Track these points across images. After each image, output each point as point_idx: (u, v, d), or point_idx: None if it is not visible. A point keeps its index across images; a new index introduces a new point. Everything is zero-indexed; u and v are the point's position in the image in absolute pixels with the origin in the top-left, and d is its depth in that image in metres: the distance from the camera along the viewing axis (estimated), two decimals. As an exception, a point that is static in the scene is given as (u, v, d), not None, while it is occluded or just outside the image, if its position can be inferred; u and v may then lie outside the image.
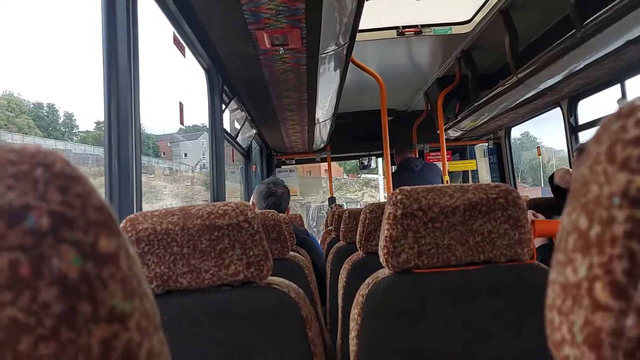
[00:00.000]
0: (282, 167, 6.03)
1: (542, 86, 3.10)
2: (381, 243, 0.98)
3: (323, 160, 5.96)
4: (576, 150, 2.27)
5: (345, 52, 2.56)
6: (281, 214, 1.75)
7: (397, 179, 4.28)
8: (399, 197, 0.96)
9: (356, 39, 2.47)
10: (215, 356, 0.92)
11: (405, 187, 0.98)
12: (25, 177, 0.23)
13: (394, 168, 4.78)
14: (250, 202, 2.59)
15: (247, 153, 4.60)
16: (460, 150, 5.90)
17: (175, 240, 0.93)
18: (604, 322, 0.23)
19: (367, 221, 1.56)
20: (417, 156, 5.49)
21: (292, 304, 0.95)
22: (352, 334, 0.98)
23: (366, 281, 1.00)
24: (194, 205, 0.97)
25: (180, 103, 2.26)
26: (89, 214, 0.24)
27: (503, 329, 0.95)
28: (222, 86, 2.95)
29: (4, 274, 0.22)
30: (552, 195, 2.40)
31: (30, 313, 0.22)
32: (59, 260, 0.23)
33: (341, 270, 1.64)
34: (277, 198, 2.32)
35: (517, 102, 3.59)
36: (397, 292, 0.96)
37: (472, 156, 5.77)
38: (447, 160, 4.72)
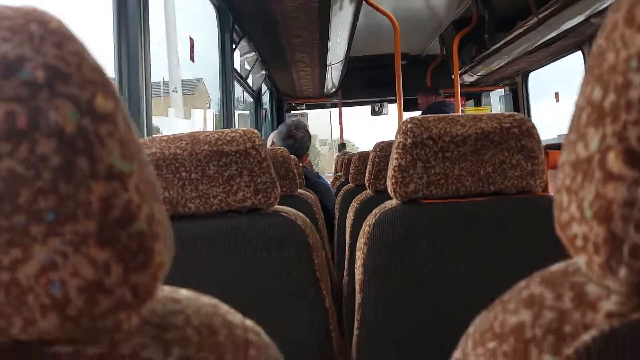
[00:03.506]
0: (292, 111, 5.99)
1: (564, 27, 2.99)
2: (389, 173, 0.97)
3: (334, 105, 5.90)
4: None
5: (358, -12, 2.47)
6: (292, 155, 1.75)
7: None
8: (409, 125, 0.94)
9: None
10: (221, 280, 0.94)
11: (416, 117, 0.96)
12: (21, 31, 0.23)
13: (406, 114, 4.72)
14: (270, 142, 2.59)
15: (257, 96, 4.56)
16: (475, 96, 5.79)
17: (184, 165, 0.93)
18: (615, 193, 0.22)
19: (376, 159, 1.55)
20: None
21: (299, 231, 0.95)
22: (358, 262, 0.98)
23: (373, 211, 1.00)
24: (203, 131, 0.96)
25: (191, 38, 2.21)
26: (85, 71, 0.24)
27: (511, 260, 0.94)
28: (232, 25, 2.89)
29: (0, 125, 0.22)
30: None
31: (29, 165, 0.22)
32: (56, 113, 0.23)
33: (349, 208, 1.65)
34: (296, 141, 2.32)
35: (537, 45, 3.47)
36: (404, 221, 0.95)
37: (488, 102, 5.67)
38: (462, 107, 4.65)
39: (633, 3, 0.22)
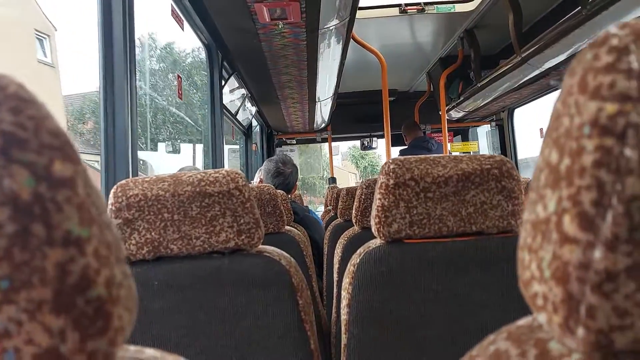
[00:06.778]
0: (283, 146, 6.01)
1: (546, 65, 3.06)
2: (373, 213, 0.97)
3: (324, 140, 5.93)
4: None
5: (345, 28, 2.52)
6: (279, 191, 1.75)
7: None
8: (391, 166, 0.95)
9: (358, 17, 2.43)
10: (204, 322, 0.92)
11: (399, 157, 0.97)
12: None
13: (394, 149, 4.75)
14: (257, 179, 2.58)
15: (247, 131, 4.58)
16: (462, 132, 5.86)
17: (166, 206, 0.92)
18: (571, 255, 0.22)
19: (363, 196, 1.56)
20: (418, 137, 5.46)
21: (282, 272, 0.94)
22: (344, 302, 0.98)
23: (358, 251, 1.00)
24: (186, 172, 0.96)
25: (179, 76, 2.24)
26: (42, 136, 0.24)
27: (493, 301, 0.94)
28: (221, 62, 2.92)
29: None
30: None
31: None
32: (11, 180, 0.22)
33: (337, 245, 1.64)
34: (285, 178, 2.32)
35: (521, 83, 3.55)
36: (388, 261, 0.95)
37: (474, 138, 5.73)
38: (449, 142, 4.70)
39: (586, 70, 0.23)
